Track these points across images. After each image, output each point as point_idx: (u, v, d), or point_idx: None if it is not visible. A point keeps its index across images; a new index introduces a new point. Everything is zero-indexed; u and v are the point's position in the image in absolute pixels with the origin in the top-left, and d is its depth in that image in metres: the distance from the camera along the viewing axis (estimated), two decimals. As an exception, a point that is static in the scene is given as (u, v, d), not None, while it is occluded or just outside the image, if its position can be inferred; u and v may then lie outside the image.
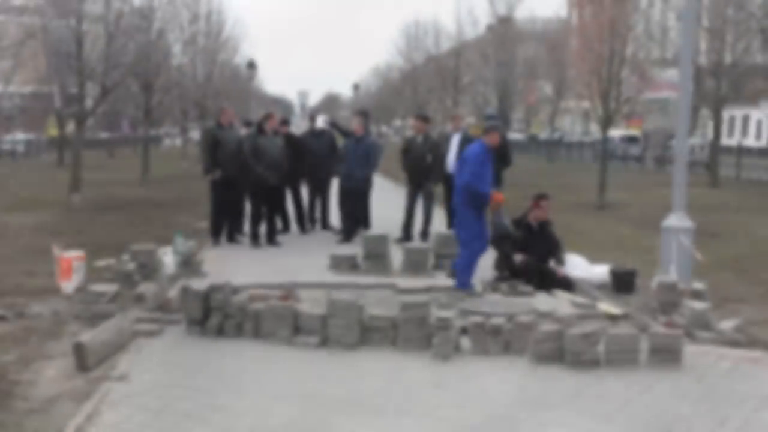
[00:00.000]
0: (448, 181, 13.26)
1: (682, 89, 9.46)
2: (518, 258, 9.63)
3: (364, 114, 14.59)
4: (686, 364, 6.69)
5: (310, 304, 8.53)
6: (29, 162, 42.06)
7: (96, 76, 19.06)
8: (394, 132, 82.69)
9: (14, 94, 30.59)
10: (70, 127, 40.04)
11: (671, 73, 33.31)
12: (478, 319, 7.29)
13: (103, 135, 60.25)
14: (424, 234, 13.05)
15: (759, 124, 55.01)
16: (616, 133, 58.09)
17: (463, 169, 9.33)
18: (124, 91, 31.72)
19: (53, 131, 50.60)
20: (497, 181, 12.90)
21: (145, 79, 27.07)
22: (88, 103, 20.52)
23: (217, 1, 40.96)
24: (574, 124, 71.88)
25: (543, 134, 59.82)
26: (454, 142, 13.28)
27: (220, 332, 7.60)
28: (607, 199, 19.80)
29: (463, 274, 9.36)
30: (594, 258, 10.98)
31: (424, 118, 13.95)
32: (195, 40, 36.40)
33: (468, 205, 9.27)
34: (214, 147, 12.77)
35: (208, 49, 38.17)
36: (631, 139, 45.99)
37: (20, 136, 51.06)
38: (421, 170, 13.08)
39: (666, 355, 6.67)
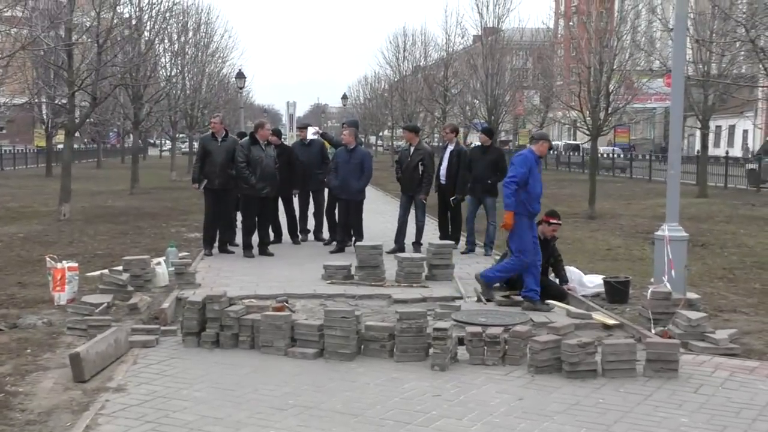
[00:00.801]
0: (442, 192, 13.33)
1: (673, 100, 9.51)
2: None
3: (354, 124, 14.64)
4: (683, 374, 6.71)
5: (305, 315, 8.56)
6: (16, 172, 41.88)
7: (85, 86, 19.01)
8: (382, 142, 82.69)
9: (1, 106, 30.37)
10: (58, 137, 39.98)
11: (657, 83, 33.54)
12: (475, 329, 7.31)
13: (84, 146, 60.12)
14: (417, 244, 13.06)
15: (745, 134, 55.36)
16: (560, 142, 61.42)
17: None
18: (113, 102, 31.73)
19: (41, 142, 50.40)
20: (494, 193, 13.01)
21: (134, 90, 27.06)
22: (77, 114, 20.45)
23: (206, 13, 40.96)
24: (562, 134, 72.12)
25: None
26: (447, 153, 13.37)
27: (216, 343, 7.58)
28: (598, 208, 19.86)
29: (495, 271, 9.43)
30: (586, 268, 11.04)
31: (413, 129, 13.99)
32: (184, 51, 36.40)
33: (519, 213, 9.25)
34: (203, 157, 12.84)
35: (197, 60, 38.17)
36: (575, 148, 49.71)
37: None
38: (413, 180, 13.11)
39: (663, 364, 6.68)
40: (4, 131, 68.37)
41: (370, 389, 6.41)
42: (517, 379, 6.70)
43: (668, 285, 8.66)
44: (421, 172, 13.02)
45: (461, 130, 37.85)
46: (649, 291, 8.44)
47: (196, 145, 28.99)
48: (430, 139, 48.33)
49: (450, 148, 13.44)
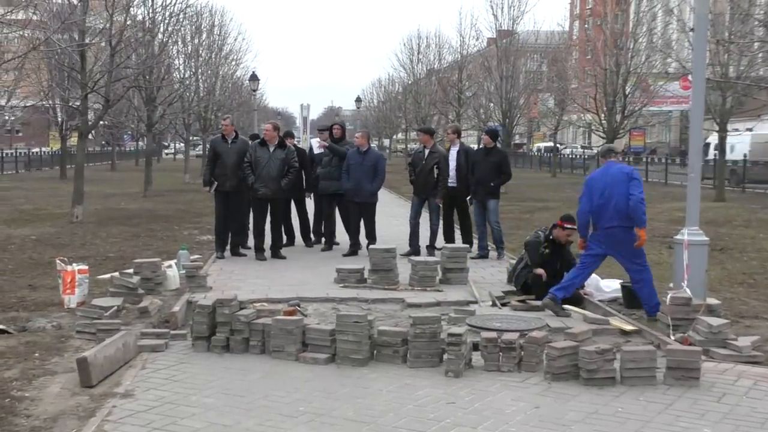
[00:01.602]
0: (451, 195, 13.11)
1: (693, 103, 9.34)
2: (539, 272, 9.51)
3: (342, 126, 14.51)
4: (705, 382, 6.52)
5: (317, 319, 8.43)
6: (31, 175, 42.02)
7: (99, 89, 18.98)
8: (395, 145, 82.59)
9: (16, 108, 30.53)
10: (72, 140, 40.12)
11: (674, 86, 33.30)
12: (490, 334, 7.15)
13: (99, 149, 60.45)
14: (431, 247, 12.90)
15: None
16: (541, 144, 65.31)
17: (622, 188, 8.94)
18: (127, 104, 31.77)
19: (56, 145, 50.63)
20: (496, 195, 12.83)
21: (147, 92, 27.06)
22: (90, 116, 20.44)
23: (220, 15, 40.98)
24: (577, 137, 71.88)
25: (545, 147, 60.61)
26: (453, 155, 13.19)
27: (226, 348, 7.46)
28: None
29: (647, 292, 9.03)
30: (603, 273, 10.84)
31: (428, 131, 13.79)
32: (197, 53, 36.41)
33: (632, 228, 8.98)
34: (214, 160, 12.76)
35: (211, 62, 38.18)
36: (550, 150, 53.72)
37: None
38: (427, 183, 12.94)
39: (684, 372, 6.49)
40: (19, 134, 68.88)
41: (382, 396, 6.27)
42: (534, 386, 6.53)
43: (688, 290, 8.46)
44: (436, 175, 12.85)
45: (475, 132, 37.80)
46: (669, 296, 8.24)
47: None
48: (443, 142, 48.17)
49: (455, 148, 13.29)
